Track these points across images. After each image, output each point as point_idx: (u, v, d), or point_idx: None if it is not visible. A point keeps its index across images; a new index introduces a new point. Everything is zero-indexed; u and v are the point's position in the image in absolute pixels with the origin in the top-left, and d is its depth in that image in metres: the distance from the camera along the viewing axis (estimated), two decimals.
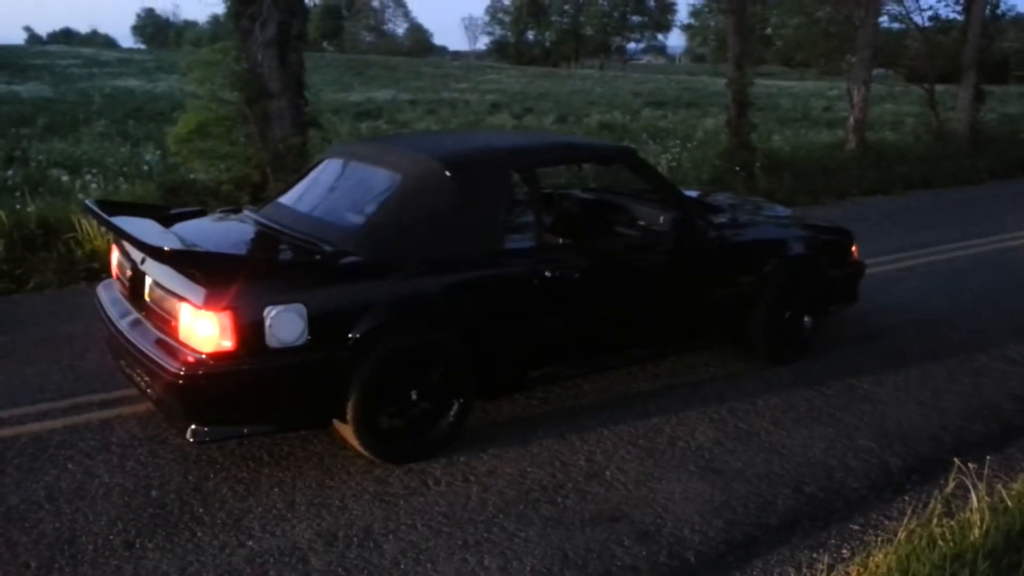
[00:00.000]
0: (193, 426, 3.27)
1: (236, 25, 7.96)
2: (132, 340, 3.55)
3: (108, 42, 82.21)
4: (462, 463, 3.67)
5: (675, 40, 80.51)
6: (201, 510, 3.27)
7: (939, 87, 16.97)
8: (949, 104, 16.98)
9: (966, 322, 5.98)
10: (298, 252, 3.72)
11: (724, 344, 5.00)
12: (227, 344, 3.19)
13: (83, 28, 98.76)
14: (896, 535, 2.86)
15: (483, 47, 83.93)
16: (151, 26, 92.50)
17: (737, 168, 11.51)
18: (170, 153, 9.04)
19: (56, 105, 19.76)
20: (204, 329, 3.19)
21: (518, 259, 3.96)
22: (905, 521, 2.90)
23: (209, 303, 3.18)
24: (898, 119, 20.29)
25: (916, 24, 18.25)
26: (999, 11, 18.61)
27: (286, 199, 4.37)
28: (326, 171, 4.53)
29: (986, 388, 4.78)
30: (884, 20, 18.01)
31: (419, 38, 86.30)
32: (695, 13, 68.97)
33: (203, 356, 3.20)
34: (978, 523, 2.84)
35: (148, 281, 3.61)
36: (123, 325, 3.72)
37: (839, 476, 3.70)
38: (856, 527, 3.28)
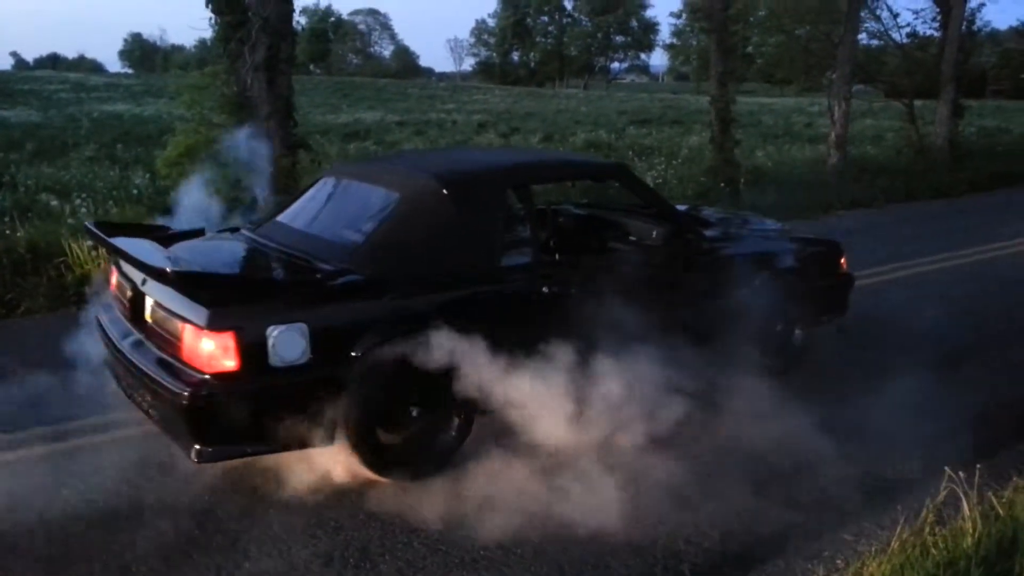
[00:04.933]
0: (197, 446, 3.26)
1: (225, 49, 8.01)
2: (135, 361, 3.55)
3: (95, 67, 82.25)
4: (458, 480, 3.69)
5: (658, 59, 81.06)
6: (197, 532, 3.27)
7: (918, 102, 17.22)
8: (928, 119, 17.22)
9: (952, 332, 6.04)
10: (299, 271, 3.75)
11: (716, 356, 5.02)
12: (230, 364, 3.21)
13: (70, 53, 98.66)
14: (889, 544, 2.89)
15: (469, 68, 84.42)
16: (138, 50, 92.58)
17: (722, 184, 11.64)
18: (160, 176, 9.05)
19: (44, 130, 19.73)
20: (208, 349, 3.21)
21: (515, 275, 4.01)
22: (898, 530, 2.93)
23: (212, 324, 3.20)
24: (878, 134, 20.55)
25: (894, 40, 18.55)
26: (975, 27, 18.92)
27: (283, 218, 4.39)
28: (323, 190, 4.54)
29: (974, 397, 4.83)
30: (863, 37, 18.28)
31: (405, 60, 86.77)
32: (677, 33, 69.67)
33: (207, 377, 3.20)
34: (970, 531, 2.87)
35: (149, 302, 3.63)
36: (124, 346, 3.72)
37: (831, 486, 3.74)
38: (849, 537, 3.31)
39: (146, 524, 3.32)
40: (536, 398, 3.77)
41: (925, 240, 9.47)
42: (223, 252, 4.25)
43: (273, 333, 3.25)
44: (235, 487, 3.62)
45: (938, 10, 17.65)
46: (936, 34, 18.23)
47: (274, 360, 3.26)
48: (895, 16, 21.49)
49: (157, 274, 3.34)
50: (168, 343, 3.45)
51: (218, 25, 8.01)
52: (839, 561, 3.10)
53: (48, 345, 5.50)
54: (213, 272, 3.66)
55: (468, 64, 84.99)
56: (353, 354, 3.41)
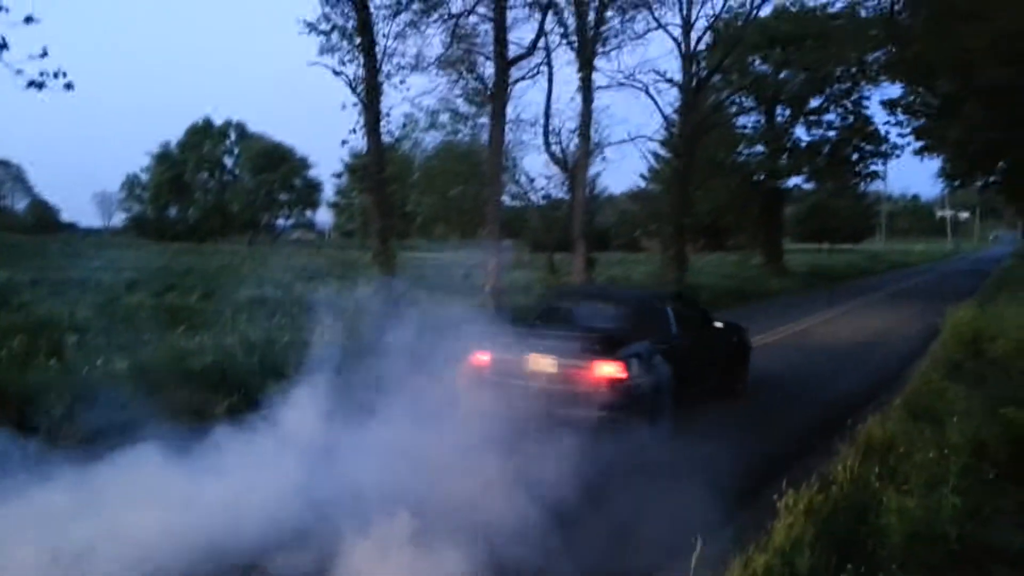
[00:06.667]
0: (605, 415, 7.33)
1: None
2: (556, 390, 7.61)
3: None
4: None
5: (325, 216, 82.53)
6: None
7: (558, 255, 19.36)
8: (567, 269, 19.37)
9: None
10: (619, 338, 8.11)
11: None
12: (621, 375, 7.54)
13: None
14: None
15: (120, 223, 78.84)
16: None
17: (389, 334, 11.85)
18: None
19: None
20: (611, 370, 7.55)
21: (676, 342, 8.80)
22: None
23: (612, 359, 7.62)
24: (528, 284, 22.58)
25: (533, 202, 20.92)
26: (596, 191, 22.06)
27: (549, 318, 9.32)
28: (567, 305, 9.88)
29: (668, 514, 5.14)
30: (507, 199, 20.37)
31: (43, 214, 78.79)
32: (340, 191, 71.94)
33: (612, 382, 7.45)
34: None
35: (552, 353, 7.80)
36: (540, 384, 7.73)
37: None
38: None
39: None
40: (690, 379, 8.69)
41: None
42: (574, 326, 8.79)
43: (631, 361, 7.68)
44: None
45: (565, 176, 20.34)
46: (566, 197, 20.93)
47: (631, 373, 7.63)
48: (531, 180, 24.37)
49: (585, 341, 7.84)
50: (580, 373, 7.58)
51: None
52: None
53: None
54: (605, 336, 8.05)
55: (119, 219, 79.48)
56: (651, 371, 7.89)
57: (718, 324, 10.10)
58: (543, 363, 7.64)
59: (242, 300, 17.32)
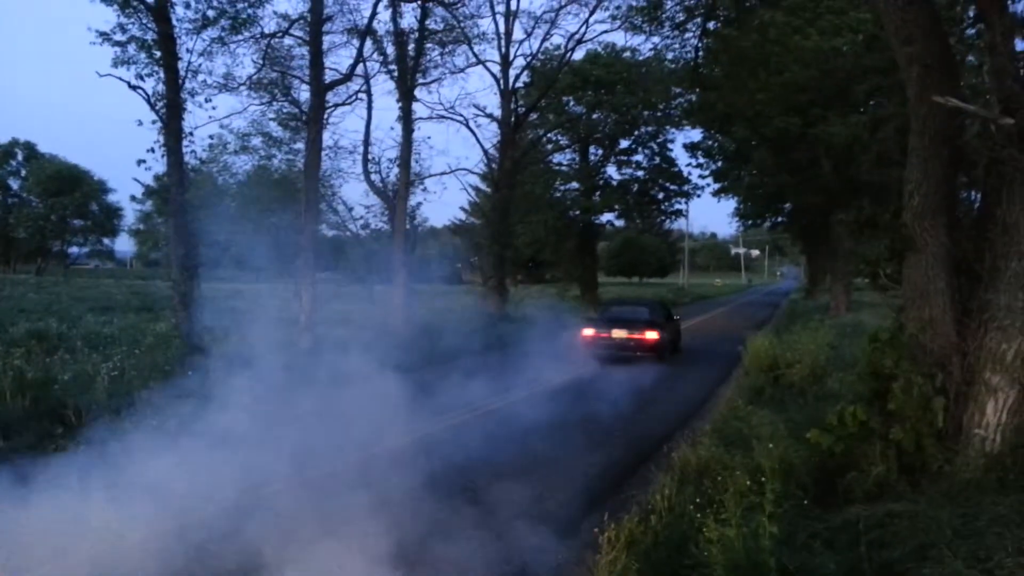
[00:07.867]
0: (648, 355, 17.62)
1: None
2: (630, 344, 17.78)
3: None
4: None
5: (126, 244, 76.46)
6: None
7: (381, 286, 18.84)
8: (389, 301, 18.87)
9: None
10: (650, 320, 18.88)
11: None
12: (656, 337, 17.95)
13: None
14: None
15: None
16: None
17: (191, 372, 10.88)
18: None
19: None
20: (653, 335, 17.95)
21: (667, 323, 19.47)
22: None
23: (653, 330, 18.09)
24: (347, 315, 21.85)
25: (352, 232, 20.31)
26: (416, 223, 21.78)
27: (613, 313, 19.90)
28: (616, 308, 20.67)
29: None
30: (325, 228, 19.63)
31: None
32: (144, 218, 67.11)
33: (652, 340, 18.05)
34: None
35: (623, 328, 18.00)
36: (620, 341, 17.77)
37: None
38: None
39: None
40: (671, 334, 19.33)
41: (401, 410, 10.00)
42: (626, 316, 19.12)
43: (659, 331, 18.13)
44: None
45: (385, 206, 19.90)
46: (386, 227, 20.48)
47: (660, 337, 18.08)
48: (351, 210, 23.74)
49: (642, 322, 18.57)
50: (640, 335, 17.80)
51: None
52: None
53: None
54: (647, 320, 18.81)
55: None
56: (664, 336, 18.71)
57: (675, 316, 20.80)
58: (619, 333, 17.44)
59: (20, 335, 15.47)
